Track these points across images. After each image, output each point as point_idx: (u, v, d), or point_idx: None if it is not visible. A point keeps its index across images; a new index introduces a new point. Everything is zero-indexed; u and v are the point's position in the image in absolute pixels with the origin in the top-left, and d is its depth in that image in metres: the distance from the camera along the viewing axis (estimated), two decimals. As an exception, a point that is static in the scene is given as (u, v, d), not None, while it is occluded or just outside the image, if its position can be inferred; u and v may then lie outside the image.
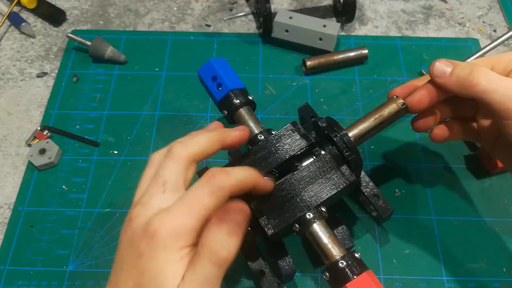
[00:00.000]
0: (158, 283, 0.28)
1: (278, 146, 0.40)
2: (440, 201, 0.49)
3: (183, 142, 0.33)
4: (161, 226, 0.29)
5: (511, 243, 0.46)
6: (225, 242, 0.29)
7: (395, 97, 0.41)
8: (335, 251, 0.36)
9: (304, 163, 0.40)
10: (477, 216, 0.48)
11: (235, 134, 0.36)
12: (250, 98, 0.44)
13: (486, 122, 0.41)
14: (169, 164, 0.32)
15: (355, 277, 0.34)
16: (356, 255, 0.36)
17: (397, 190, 0.50)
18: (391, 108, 0.40)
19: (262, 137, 0.41)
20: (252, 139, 0.42)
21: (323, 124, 0.41)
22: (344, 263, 0.35)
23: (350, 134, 0.40)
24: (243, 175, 0.32)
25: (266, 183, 0.36)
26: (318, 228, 0.38)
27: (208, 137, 0.34)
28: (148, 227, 0.29)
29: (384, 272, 0.45)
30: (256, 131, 0.42)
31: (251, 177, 0.33)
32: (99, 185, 0.51)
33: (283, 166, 0.40)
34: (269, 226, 0.37)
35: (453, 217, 0.48)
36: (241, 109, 0.43)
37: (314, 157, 0.40)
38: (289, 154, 0.39)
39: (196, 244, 0.29)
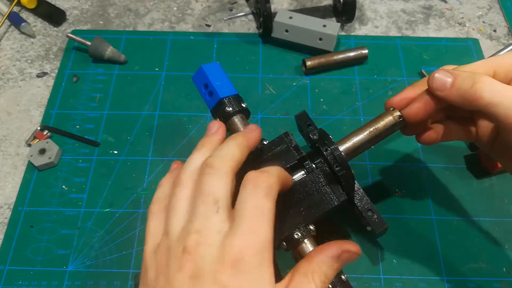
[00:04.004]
0: None
1: (269, 158, 0.38)
2: (440, 201, 0.49)
3: (217, 155, 0.30)
4: (242, 248, 0.25)
5: (511, 243, 0.46)
6: (332, 275, 0.30)
7: (391, 109, 0.39)
8: None
9: (295, 176, 0.39)
10: (477, 216, 0.48)
11: (256, 136, 0.34)
12: (244, 105, 0.43)
13: (484, 123, 0.40)
14: (214, 179, 0.29)
15: None
16: (343, 277, 0.35)
17: (397, 190, 0.50)
18: (387, 121, 0.39)
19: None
20: None
21: (315, 137, 0.40)
22: (330, 286, 0.34)
23: (342, 148, 0.39)
24: (279, 173, 0.31)
25: (291, 179, 0.35)
26: (305, 246, 0.36)
27: (238, 145, 0.32)
28: (225, 254, 0.25)
29: (384, 272, 0.45)
30: None
31: (284, 173, 0.32)
32: (99, 185, 0.51)
33: None
34: None
35: (453, 217, 0.48)
36: (234, 117, 0.42)
37: (305, 171, 0.39)
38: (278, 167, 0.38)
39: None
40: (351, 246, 0.31)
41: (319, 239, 0.38)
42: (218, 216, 0.27)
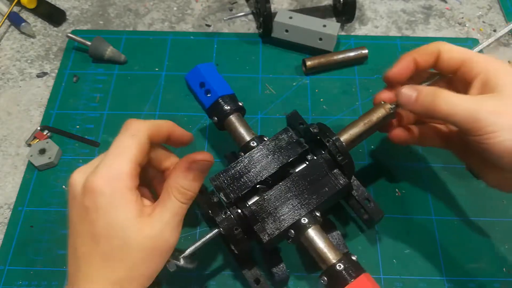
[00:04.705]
0: (110, 227, 0.32)
1: (272, 153, 0.40)
2: (440, 201, 0.49)
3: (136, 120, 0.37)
4: (97, 178, 0.32)
5: (511, 243, 0.46)
6: (190, 185, 0.35)
7: (382, 102, 0.42)
8: (331, 255, 0.36)
9: (298, 169, 0.40)
10: (477, 216, 0.48)
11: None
12: (240, 104, 0.44)
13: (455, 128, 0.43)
14: (121, 136, 0.36)
15: (352, 280, 0.34)
16: (353, 257, 0.36)
17: (397, 190, 0.50)
18: (380, 113, 0.42)
19: (255, 143, 0.41)
20: (244, 146, 0.42)
21: (315, 130, 0.41)
22: (341, 266, 0.35)
23: (342, 139, 0.41)
24: (158, 122, 0.37)
25: (182, 131, 0.39)
26: (313, 233, 0.38)
27: (156, 124, 0.37)
28: (87, 184, 0.33)
29: (384, 272, 0.45)
30: (248, 138, 0.42)
31: (166, 124, 0.38)
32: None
33: (277, 172, 0.39)
34: (264, 233, 0.37)
35: (453, 217, 0.48)
36: (231, 115, 0.43)
37: (307, 163, 0.40)
38: (282, 161, 0.39)
39: (137, 186, 0.34)
40: (198, 155, 0.36)
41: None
42: (96, 159, 0.35)
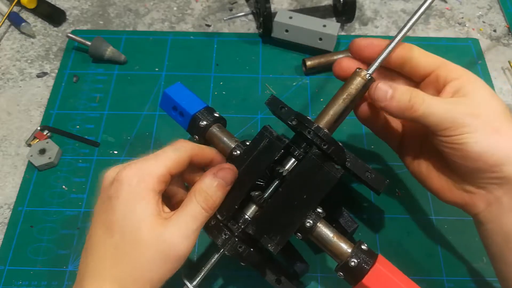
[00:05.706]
0: (126, 218, 0.33)
1: (255, 156, 0.38)
2: (440, 201, 0.49)
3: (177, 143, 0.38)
4: (127, 171, 0.34)
5: (511, 243, 0.46)
6: (214, 192, 0.35)
7: (358, 70, 0.39)
8: (343, 249, 0.37)
9: (287, 166, 0.39)
10: (477, 216, 0.48)
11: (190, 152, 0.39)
12: (217, 115, 0.43)
13: (413, 130, 0.42)
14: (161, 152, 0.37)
15: (368, 270, 0.35)
16: (363, 247, 0.37)
17: (397, 190, 0.50)
18: (357, 83, 0.38)
19: (237, 152, 0.40)
20: (229, 156, 0.41)
21: (293, 122, 0.39)
22: (355, 260, 0.35)
23: (322, 123, 0.38)
24: (202, 146, 0.39)
25: (224, 161, 0.40)
26: (319, 230, 0.37)
27: (184, 150, 0.38)
28: (117, 175, 0.34)
29: (384, 272, 0.45)
30: (231, 146, 0.41)
31: (210, 150, 0.39)
32: (99, 185, 0.51)
33: (267, 174, 0.39)
34: (272, 244, 0.37)
35: (453, 217, 0.48)
36: (209, 129, 0.42)
37: (294, 158, 0.39)
38: (266, 162, 0.38)
39: (161, 192, 0.35)
40: (225, 165, 0.37)
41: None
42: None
